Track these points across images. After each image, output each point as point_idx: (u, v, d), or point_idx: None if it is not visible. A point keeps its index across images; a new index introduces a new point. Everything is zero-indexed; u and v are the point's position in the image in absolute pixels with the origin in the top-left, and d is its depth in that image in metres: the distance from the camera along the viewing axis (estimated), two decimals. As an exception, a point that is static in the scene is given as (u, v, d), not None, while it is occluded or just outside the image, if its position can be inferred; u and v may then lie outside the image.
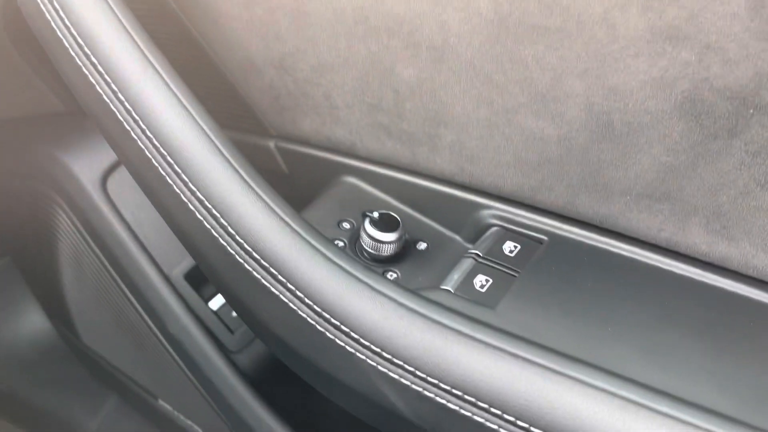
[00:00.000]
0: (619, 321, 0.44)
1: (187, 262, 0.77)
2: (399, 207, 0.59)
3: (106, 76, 0.48)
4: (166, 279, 0.75)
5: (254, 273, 0.47)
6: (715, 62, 0.38)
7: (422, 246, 0.56)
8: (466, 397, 0.41)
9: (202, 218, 0.48)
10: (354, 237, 0.56)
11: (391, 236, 0.53)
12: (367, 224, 0.53)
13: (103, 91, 0.48)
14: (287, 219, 0.47)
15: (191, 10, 0.61)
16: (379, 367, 0.44)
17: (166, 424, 0.96)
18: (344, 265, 0.46)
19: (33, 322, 1.20)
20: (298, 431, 0.74)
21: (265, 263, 0.47)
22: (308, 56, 0.56)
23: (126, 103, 0.48)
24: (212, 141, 0.48)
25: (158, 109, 0.47)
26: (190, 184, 0.47)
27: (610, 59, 0.42)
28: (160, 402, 0.92)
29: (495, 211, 0.54)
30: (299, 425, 0.75)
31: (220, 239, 0.48)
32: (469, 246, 0.55)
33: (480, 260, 0.50)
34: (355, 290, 0.45)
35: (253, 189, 0.48)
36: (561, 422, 0.38)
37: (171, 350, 0.78)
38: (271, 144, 0.66)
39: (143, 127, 0.48)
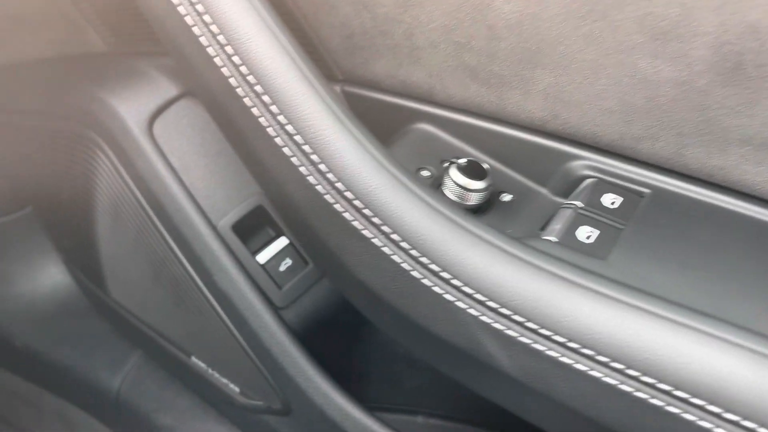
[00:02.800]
0: (742, 277, 0.41)
1: (234, 213, 0.74)
2: (480, 157, 0.56)
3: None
4: (214, 229, 0.72)
5: (344, 214, 0.44)
6: None
7: (507, 198, 0.53)
8: (582, 350, 0.39)
9: (289, 154, 0.44)
10: (435, 185, 0.53)
11: (479, 184, 0.49)
12: (453, 170, 0.50)
13: (187, 11, 0.44)
14: (383, 160, 0.44)
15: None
16: (482, 318, 0.42)
17: (198, 382, 0.93)
18: (444, 209, 0.43)
19: (52, 275, 1.16)
20: (348, 391, 0.72)
21: (358, 204, 0.43)
22: (393, -11, 0.52)
23: (212, 26, 0.44)
24: (304, 73, 0.44)
25: (246, 33, 0.44)
26: (279, 117, 0.44)
27: (754, -8, 0.39)
28: (193, 359, 0.89)
29: (588, 161, 0.51)
30: (349, 385, 0.73)
31: (310, 177, 0.44)
32: (558, 199, 0.53)
33: (581, 211, 0.47)
34: (457, 236, 0.42)
35: (346, 126, 0.44)
36: (693, 378, 0.35)
37: (215, 304, 0.75)
38: (337, 88, 0.63)
39: (229, 52, 0.44)
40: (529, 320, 0.40)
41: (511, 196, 0.53)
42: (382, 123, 0.62)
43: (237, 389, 0.85)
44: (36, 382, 1.19)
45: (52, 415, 1.19)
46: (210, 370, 0.88)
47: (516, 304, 0.40)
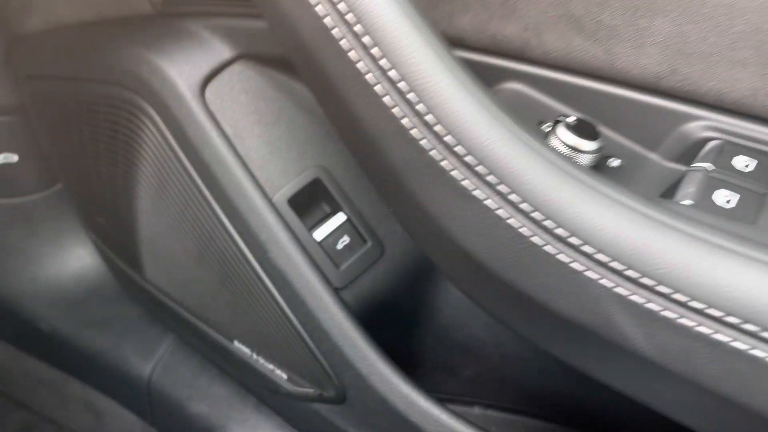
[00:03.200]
0: None
1: (291, 186, 0.69)
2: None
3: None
4: (270, 202, 0.67)
5: (452, 172, 0.39)
6: None
7: (615, 162, 0.48)
8: (743, 326, 0.33)
9: (390, 104, 0.39)
10: (537, 148, 0.48)
11: (591, 145, 0.44)
12: (561, 129, 0.45)
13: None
14: (498, 111, 0.39)
15: None
16: (616, 290, 0.36)
17: (238, 368, 0.88)
18: (570, 167, 0.38)
19: (80, 256, 1.11)
20: (412, 377, 0.67)
21: (470, 160, 0.38)
22: (492, -70, 0.47)
23: None
24: (407, 12, 0.39)
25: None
26: (382, 61, 0.39)
27: None
28: (236, 344, 0.84)
29: (708, 122, 0.46)
30: (412, 371, 0.68)
31: (413, 130, 0.39)
32: (672, 164, 0.47)
33: (713, 175, 0.42)
34: (588, 197, 0.37)
35: (456, 73, 0.39)
36: None
37: (268, 283, 0.70)
38: (414, 46, 0.58)
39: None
40: (677, 291, 0.35)
41: (620, 161, 0.48)
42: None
43: (284, 375, 0.80)
44: (62, 369, 1.14)
45: (79, 403, 1.14)
46: (254, 356, 0.83)
47: (661, 273, 0.35)
